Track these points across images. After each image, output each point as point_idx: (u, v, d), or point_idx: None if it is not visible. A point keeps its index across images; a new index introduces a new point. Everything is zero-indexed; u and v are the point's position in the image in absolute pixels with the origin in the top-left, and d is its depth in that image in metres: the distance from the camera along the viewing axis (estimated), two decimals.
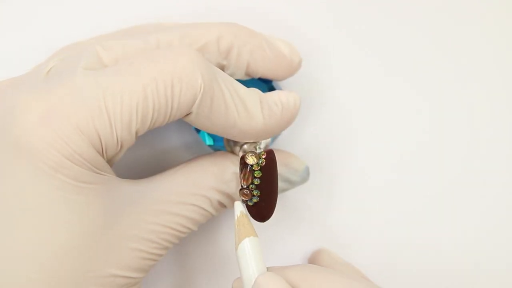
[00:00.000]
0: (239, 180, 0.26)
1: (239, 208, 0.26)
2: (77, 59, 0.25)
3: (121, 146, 0.25)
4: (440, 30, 0.34)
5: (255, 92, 0.27)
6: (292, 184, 0.29)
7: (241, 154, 0.27)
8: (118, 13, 0.32)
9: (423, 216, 0.34)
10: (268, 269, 0.25)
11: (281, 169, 0.29)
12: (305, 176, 0.30)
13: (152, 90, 0.24)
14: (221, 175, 0.27)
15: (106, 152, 0.24)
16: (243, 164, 0.26)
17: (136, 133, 0.25)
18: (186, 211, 0.26)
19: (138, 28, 0.28)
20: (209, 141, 0.30)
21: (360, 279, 0.24)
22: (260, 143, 0.28)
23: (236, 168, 0.27)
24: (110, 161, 0.26)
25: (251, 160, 0.26)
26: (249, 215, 0.26)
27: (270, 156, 0.26)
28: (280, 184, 0.29)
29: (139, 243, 0.26)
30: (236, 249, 0.24)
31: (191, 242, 0.33)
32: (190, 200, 0.27)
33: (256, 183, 0.26)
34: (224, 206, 0.28)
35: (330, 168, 0.33)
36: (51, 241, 0.24)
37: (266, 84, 0.30)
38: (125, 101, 0.24)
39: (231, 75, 0.28)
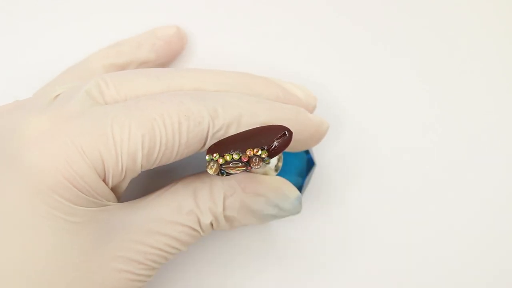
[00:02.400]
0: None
1: None
2: (86, 87, 0.26)
3: (125, 175, 0.25)
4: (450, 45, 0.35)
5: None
6: (282, 211, 0.29)
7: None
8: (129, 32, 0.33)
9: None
10: None
11: (271, 194, 0.28)
12: (297, 205, 0.29)
13: (159, 124, 0.25)
14: (210, 194, 0.27)
15: (109, 179, 0.25)
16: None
17: (142, 165, 0.25)
18: (174, 231, 0.27)
19: (153, 70, 0.28)
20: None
21: None
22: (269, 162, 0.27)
23: (224, 186, 0.27)
24: (115, 189, 0.26)
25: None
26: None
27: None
28: (268, 209, 0.29)
29: (126, 264, 0.26)
30: None
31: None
32: (178, 220, 0.27)
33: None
34: (212, 226, 0.28)
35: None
36: (39, 259, 0.24)
37: None
38: (133, 131, 0.24)
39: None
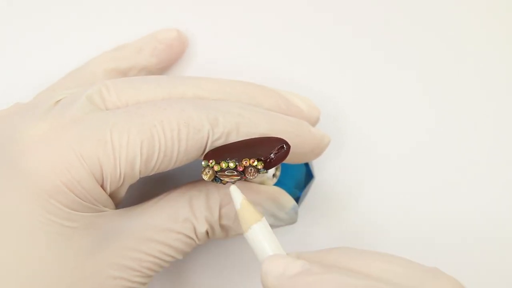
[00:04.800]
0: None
1: (239, 196, 0.25)
2: (87, 93, 0.26)
3: (124, 181, 0.25)
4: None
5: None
6: (278, 220, 0.29)
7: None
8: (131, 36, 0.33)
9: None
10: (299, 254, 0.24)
11: (268, 203, 0.29)
12: (293, 215, 0.29)
13: (158, 131, 0.25)
14: (206, 203, 0.27)
15: (107, 184, 0.25)
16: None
17: (140, 172, 0.25)
18: (169, 239, 0.26)
19: (154, 77, 0.28)
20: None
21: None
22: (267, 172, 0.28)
23: (220, 195, 0.27)
24: (113, 196, 0.26)
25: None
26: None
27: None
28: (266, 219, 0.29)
29: (121, 271, 0.26)
30: (246, 236, 0.24)
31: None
32: (173, 228, 0.27)
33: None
34: (208, 235, 0.28)
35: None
36: (34, 263, 0.24)
37: None
38: (131, 138, 0.24)
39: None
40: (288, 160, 0.27)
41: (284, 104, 0.29)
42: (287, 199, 0.29)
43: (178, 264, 0.33)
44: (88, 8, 0.34)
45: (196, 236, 0.27)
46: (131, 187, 0.27)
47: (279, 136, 0.25)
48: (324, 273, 0.22)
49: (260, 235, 0.24)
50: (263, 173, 0.25)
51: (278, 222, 0.29)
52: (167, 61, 0.33)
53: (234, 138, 0.26)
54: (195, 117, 0.25)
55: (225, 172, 0.25)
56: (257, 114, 0.27)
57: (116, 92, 0.26)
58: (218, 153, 0.25)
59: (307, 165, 0.32)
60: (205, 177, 0.25)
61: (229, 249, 0.33)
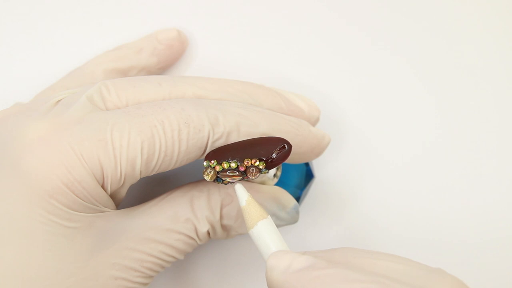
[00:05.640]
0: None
1: (245, 194, 0.25)
2: (87, 93, 0.26)
3: (124, 182, 0.25)
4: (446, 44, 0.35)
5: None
6: (279, 220, 0.29)
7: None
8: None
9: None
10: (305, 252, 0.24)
11: (269, 203, 0.29)
12: (294, 214, 0.29)
13: (159, 131, 0.25)
14: (207, 203, 0.27)
15: (108, 185, 0.25)
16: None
17: (141, 172, 0.25)
18: (170, 239, 0.26)
19: (155, 77, 0.28)
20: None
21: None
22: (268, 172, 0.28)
23: (221, 195, 0.27)
24: (114, 196, 0.26)
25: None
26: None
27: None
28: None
29: (122, 272, 0.26)
30: (251, 233, 0.24)
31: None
32: (174, 228, 0.27)
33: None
34: (209, 235, 0.28)
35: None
36: (35, 264, 0.24)
37: None
38: (132, 138, 0.24)
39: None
40: (289, 159, 0.27)
41: (284, 104, 0.29)
42: (288, 199, 0.29)
43: (178, 264, 0.33)
44: (88, 8, 0.34)
45: (197, 236, 0.27)
46: (132, 187, 0.27)
47: (279, 136, 0.25)
48: (330, 267, 0.22)
49: (265, 232, 0.24)
50: (264, 173, 0.25)
51: (279, 221, 0.29)
52: (167, 61, 0.33)
53: (234, 138, 0.26)
54: (196, 117, 0.25)
55: (227, 172, 0.25)
56: (258, 114, 0.27)
57: (116, 92, 0.26)
58: (219, 153, 0.25)
59: (307, 164, 0.32)
60: (207, 178, 0.25)
61: (230, 249, 0.33)
